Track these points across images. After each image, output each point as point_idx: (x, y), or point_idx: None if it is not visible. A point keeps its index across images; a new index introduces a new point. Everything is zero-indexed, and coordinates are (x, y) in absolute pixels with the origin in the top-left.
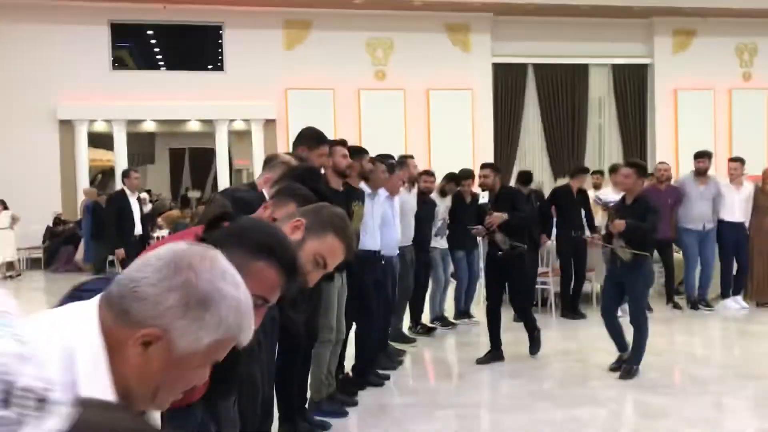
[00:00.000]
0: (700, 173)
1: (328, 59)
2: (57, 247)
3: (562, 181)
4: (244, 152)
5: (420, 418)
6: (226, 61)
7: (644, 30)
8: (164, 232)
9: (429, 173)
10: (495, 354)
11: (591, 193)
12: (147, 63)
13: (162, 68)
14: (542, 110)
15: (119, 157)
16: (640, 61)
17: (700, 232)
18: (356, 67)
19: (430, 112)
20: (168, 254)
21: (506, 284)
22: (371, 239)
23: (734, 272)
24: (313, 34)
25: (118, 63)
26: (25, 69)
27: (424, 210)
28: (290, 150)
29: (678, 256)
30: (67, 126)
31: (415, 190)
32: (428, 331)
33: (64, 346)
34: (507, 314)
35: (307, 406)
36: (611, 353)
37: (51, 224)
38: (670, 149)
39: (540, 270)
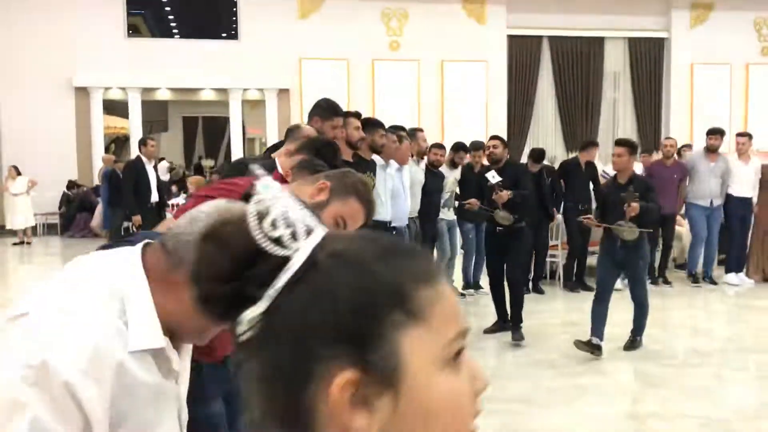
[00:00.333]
0: (711, 150)
1: (342, 29)
2: (73, 213)
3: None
4: (258, 121)
5: None
6: (240, 30)
7: (662, 3)
8: (180, 199)
9: (439, 146)
10: (502, 325)
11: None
12: (162, 31)
13: (176, 36)
14: (556, 83)
15: (134, 125)
16: (656, 35)
17: (708, 208)
18: (371, 37)
19: (443, 84)
20: (214, 210)
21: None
22: (383, 210)
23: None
24: (327, 3)
25: (133, 31)
26: (41, 37)
27: (433, 182)
28: (304, 120)
29: (681, 230)
30: (82, 93)
31: (423, 163)
32: None
33: (112, 282)
34: None
35: None
36: (616, 325)
37: (66, 188)
38: (685, 125)
39: (550, 243)
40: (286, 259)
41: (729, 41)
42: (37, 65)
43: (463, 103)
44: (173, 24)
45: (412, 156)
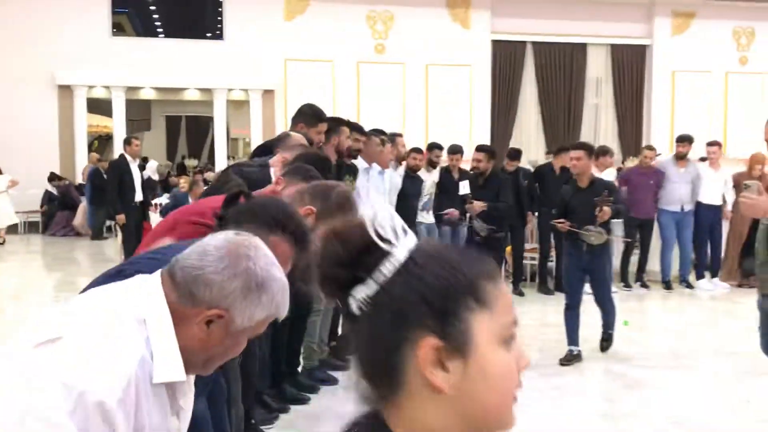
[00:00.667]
0: (680, 157)
1: (328, 31)
2: (54, 211)
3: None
4: (242, 121)
5: None
6: (225, 31)
7: (644, 11)
8: (163, 199)
9: (418, 150)
10: None
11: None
12: (146, 30)
13: (161, 35)
14: (539, 88)
15: (117, 124)
16: (639, 41)
17: (678, 214)
18: (356, 39)
19: (428, 87)
20: (224, 245)
21: None
22: None
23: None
24: (313, 5)
25: (117, 29)
26: (25, 34)
27: (412, 186)
28: (289, 124)
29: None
30: (66, 91)
31: (401, 168)
32: None
33: (137, 312)
34: None
35: (300, 370)
36: (591, 326)
37: (48, 180)
38: (666, 131)
39: (528, 246)
40: (388, 252)
41: (709, 50)
42: (20, 62)
43: (447, 106)
44: (158, 23)
45: (391, 160)
